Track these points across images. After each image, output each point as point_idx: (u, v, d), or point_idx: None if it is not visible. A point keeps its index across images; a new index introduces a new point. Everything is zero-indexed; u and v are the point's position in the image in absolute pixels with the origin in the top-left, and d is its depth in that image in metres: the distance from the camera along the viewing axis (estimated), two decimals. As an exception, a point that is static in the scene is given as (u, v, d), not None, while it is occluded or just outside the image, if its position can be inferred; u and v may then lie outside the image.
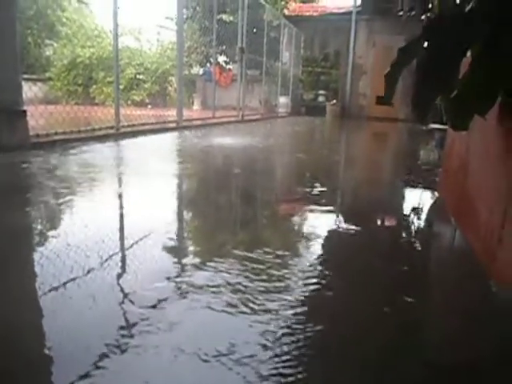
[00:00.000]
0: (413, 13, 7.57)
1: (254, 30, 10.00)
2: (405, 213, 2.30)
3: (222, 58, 12.93)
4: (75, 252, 1.38)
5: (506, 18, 1.05)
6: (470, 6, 0.98)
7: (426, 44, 1.09)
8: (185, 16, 10.96)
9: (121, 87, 7.25)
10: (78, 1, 13.10)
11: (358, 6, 12.60)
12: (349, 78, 13.21)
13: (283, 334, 0.97)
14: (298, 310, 1.10)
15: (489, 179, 1.52)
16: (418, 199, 2.65)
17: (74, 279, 1.19)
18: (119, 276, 1.24)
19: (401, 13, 8.92)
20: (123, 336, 0.93)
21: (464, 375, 0.89)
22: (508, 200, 1.25)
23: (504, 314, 1.14)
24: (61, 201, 2.02)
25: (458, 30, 1.02)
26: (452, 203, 2.09)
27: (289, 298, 1.16)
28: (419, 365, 0.91)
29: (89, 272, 1.24)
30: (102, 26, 12.21)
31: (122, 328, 0.96)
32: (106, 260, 1.33)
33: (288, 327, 1.01)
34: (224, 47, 11.49)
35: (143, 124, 5.62)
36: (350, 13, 12.76)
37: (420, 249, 1.66)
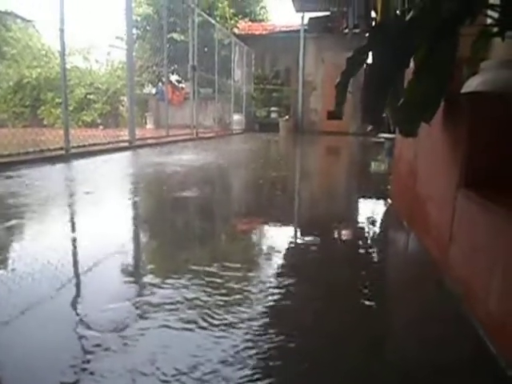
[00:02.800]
0: (357, 30, 7.87)
1: (206, 49, 10.07)
2: (360, 222, 2.34)
3: (174, 77, 12.91)
4: (25, 280, 1.30)
5: (442, 29, 1.10)
6: (409, 16, 1.02)
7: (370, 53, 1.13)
8: (135, 35, 10.91)
9: (70, 108, 7.07)
10: (23, 20, 12.73)
11: (306, 25, 12.97)
12: (300, 95, 13.50)
13: (245, 348, 0.95)
14: (259, 321, 1.08)
15: (436, 181, 1.57)
16: (371, 208, 2.71)
17: (27, 309, 1.12)
18: (74, 301, 1.17)
19: (346, 30, 9.26)
20: (78, 364, 0.87)
21: (426, 373, 0.90)
22: (456, 199, 1.30)
23: (457, 310, 1.17)
24: (6, 225, 1.91)
25: (399, 40, 1.06)
26: (404, 208, 2.15)
27: (249, 310, 1.14)
28: (383, 365, 0.92)
29: (41, 301, 1.16)
30: (49, 46, 11.91)
31: (76, 355, 0.91)
32: (60, 288, 1.25)
33: (249, 340, 0.98)
34: (176, 66, 11.49)
35: (94, 144, 5.47)
36: (298, 31, 13.11)
37: (376, 254, 1.69)
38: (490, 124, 1.22)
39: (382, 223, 2.25)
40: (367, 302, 1.21)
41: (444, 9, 1.00)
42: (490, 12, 1.19)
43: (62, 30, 4.61)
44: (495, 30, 1.22)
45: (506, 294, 0.93)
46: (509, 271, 0.93)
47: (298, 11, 12.20)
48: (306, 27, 12.96)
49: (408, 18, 1.01)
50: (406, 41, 1.05)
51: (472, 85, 1.38)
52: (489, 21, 1.25)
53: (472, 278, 1.15)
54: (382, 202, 2.76)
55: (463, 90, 1.38)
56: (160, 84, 12.49)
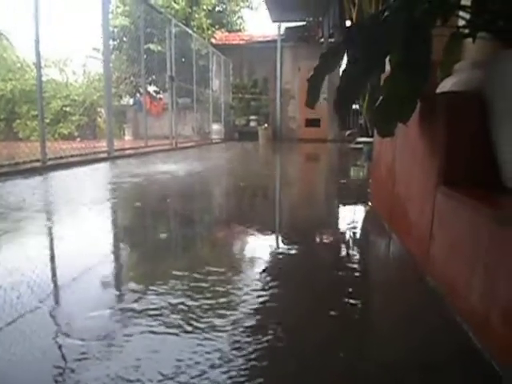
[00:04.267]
0: (333, 39, 8.00)
1: (183, 59, 10.07)
2: (341, 225, 2.36)
3: (152, 88, 12.86)
4: (5, 293, 1.26)
5: (416, 30, 1.13)
6: (383, 17, 1.04)
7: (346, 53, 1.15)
8: (112, 47, 10.84)
9: (47, 120, 6.94)
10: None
11: (282, 35, 13.13)
12: (278, 103, 13.61)
13: (231, 350, 0.94)
14: (245, 323, 1.07)
15: (415, 181, 1.60)
16: (352, 212, 2.74)
17: (9, 323, 1.09)
18: (56, 312, 1.14)
19: (322, 40, 9.40)
20: (62, 374, 0.85)
21: (412, 369, 0.90)
22: (435, 197, 1.32)
23: (441, 308, 1.18)
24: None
25: (374, 39, 1.08)
26: (384, 210, 2.18)
27: (234, 312, 1.13)
28: (369, 363, 0.92)
29: (23, 313, 1.13)
30: (24, 58, 11.72)
31: (60, 365, 0.88)
32: (42, 300, 1.22)
33: (236, 342, 0.98)
34: (153, 76, 11.45)
35: (72, 156, 5.39)
36: (275, 41, 13.25)
37: (358, 256, 1.70)
38: (466, 122, 1.25)
39: (362, 226, 2.27)
40: (352, 302, 1.21)
41: (417, 10, 1.03)
42: (461, 13, 1.22)
43: (37, 42, 4.55)
44: (467, 31, 1.26)
45: (488, 289, 0.95)
46: (489, 266, 0.95)
47: (274, 21, 12.33)
48: (282, 37, 13.12)
49: (382, 18, 1.03)
50: (380, 41, 1.07)
51: (446, 86, 1.42)
52: (461, 22, 1.29)
53: (454, 275, 1.16)
54: (362, 205, 2.78)
55: (438, 91, 1.41)
56: (138, 95, 12.43)
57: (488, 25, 1.18)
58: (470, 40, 1.26)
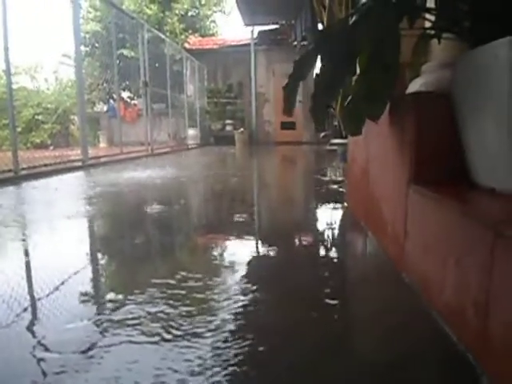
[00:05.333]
0: (305, 42, 8.08)
1: (157, 65, 10.01)
2: (318, 226, 2.38)
3: (126, 94, 12.73)
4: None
5: (384, 32, 1.15)
6: (352, 20, 1.06)
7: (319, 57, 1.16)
8: (84, 53, 10.69)
9: (18, 129, 6.79)
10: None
11: (256, 38, 13.19)
12: (253, 107, 13.66)
13: (212, 356, 0.94)
14: (225, 329, 1.06)
15: (388, 180, 1.63)
16: (329, 212, 2.76)
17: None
18: (33, 325, 1.11)
19: (295, 43, 9.49)
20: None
21: (389, 363, 0.92)
22: (407, 196, 1.35)
23: (417, 303, 1.21)
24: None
25: (344, 41, 1.10)
26: (360, 210, 2.21)
27: (214, 318, 1.13)
28: (347, 358, 0.93)
29: None
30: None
31: (37, 380, 0.86)
32: (18, 314, 1.19)
33: (216, 348, 0.97)
34: (127, 82, 11.34)
35: (45, 165, 5.28)
36: (248, 44, 13.30)
37: (336, 256, 1.72)
38: (434, 122, 1.28)
39: (339, 226, 2.30)
40: (329, 301, 1.22)
41: (383, 12, 1.05)
42: (427, 15, 1.25)
43: (6, 49, 4.45)
44: (433, 32, 1.29)
45: (461, 284, 0.97)
46: (461, 261, 0.97)
47: (247, 25, 12.39)
48: (255, 41, 13.18)
49: (351, 21, 1.05)
50: (350, 43, 1.09)
51: (415, 86, 1.45)
52: (427, 24, 1.32)
53: (428, 271, 1.19)
54: (338, 205, 2.81)
55: (407, 92, 1.44)
56: (112, 101, 12.28)
57: (453, 26, 1.21)
58: (435, 41, 1.29)
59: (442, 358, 0.95)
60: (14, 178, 4.40)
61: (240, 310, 1.18)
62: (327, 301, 1.23)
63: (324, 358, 0.94)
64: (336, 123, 4.90)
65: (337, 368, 0.90)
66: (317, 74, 1.21)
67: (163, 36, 10.13)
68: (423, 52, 1.42)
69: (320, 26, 6.20)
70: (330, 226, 2.27)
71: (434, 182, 1.26)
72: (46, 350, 0.98)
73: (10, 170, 4.47)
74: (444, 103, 1.26)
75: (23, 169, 4.67)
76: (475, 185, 1.20)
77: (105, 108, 13.12)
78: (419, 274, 1.26)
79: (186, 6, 14.99)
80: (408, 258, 1.36)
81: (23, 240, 2.05)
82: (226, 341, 1.00)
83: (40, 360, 0.94)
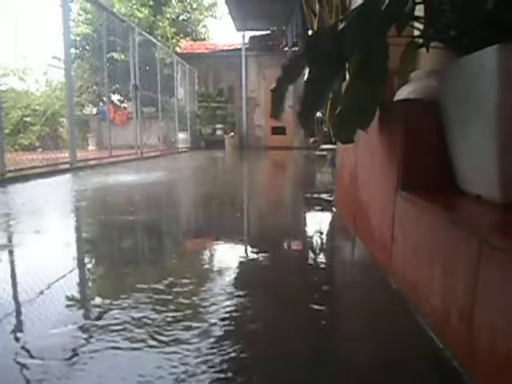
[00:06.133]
0: (296, 48, 8.13)
1: (147, 68, 9.98)
2: (307, 232, 2.38)
3: (115, 97, 12.67)
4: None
5: (373, 39, 1.16)
6: (341, 26, 1.07)
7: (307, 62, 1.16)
8: (73, 55, 10.62)
9: (6, 131, 6.70)
10: None
11: (247, 43, 13.24)
12: (244, 111, 13.69)
13: (197, 363, 0.93)
14: (211, 334, 1.05)
15: (376, 186, 1.63)
16: (318, 218, 2.76)
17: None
18: (15, 330, 1.09)
19: (286, 48, 9.54)
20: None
21: (375, 368, 0.92)
22: (394, 202, 1.36)
23: (403, 309, 1.21)
24: None
25: (333, 47, 1.11)
26: (349, 215, 2.21)
27: (200, 324, 1.11)
28: (333, 365, 0.92)
29: None
30: (-19, 67, 11.31)
31: (11, 385, 0.84)
32: (1, 319, 1.17)
33: (203, 355, 0.96)
34: (117, 85, 11.27)
35: (33, 167, 5.22)
36: (239, 49, 13.35)
37: (324, 261, 1.72)
38: (421, 129, 1.29)
39: (328, 232, 2.30)
40: (316, 307, 1.22)
41: (372, 20, 1.06)
42: (416, 24, 1.27)
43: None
44: (421, 41, 1.30)
45: (447, 290, 0.98)
46: (448, 268, 0.98)
47: (238, 30, 12.45)
48: (247, 46, 13.23)
49: (340, 27, 1.06)
50: (339, 49, 1.10)
51: (403, 93, 1.46)
52: (416, 32, 1.34)
53: (415, 277, 1.19)
54: (327, 211, 2.82)
55: (395, 99, 1.45)
56: (101, 104, 12.20)
57: (440, 34, 1.23)
58: (425, 49, 1.31)
59: (428, 364, 0.95)
60: (0, 180, 4.34)
61: (227, 315, 1.17)
62: (314, 306, 1.23)
63: (309, 365, 0.94)
64: (326, 129, 4.92)
65: (320, 375, 0.90)
66: (306, 79, 1.21)
67: (154, 40, 10.11)
68: (411, 60, 1.44)
69: (310, 33, 6.25)
70: (319, 231, 2.27)
71: (420, 189, 1.27)
72: (29, 355, 0.96)
73: (-5, 173, 4.41)
74: (432, 111, 1.27)
75: (10, 171, 4.61)
76: (462, 192, 1.21)
77: (94, 111, 13.03)
78: (406, 279, 1.26)
79: (177, 10, 15.01)
80: (395, 263, 1.36)
81: (7, 243, 2.02)
82: (211, 347, 0.99)
83: (23, 366, 0.92)
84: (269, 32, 12.68)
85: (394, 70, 1.44)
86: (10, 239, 2.10)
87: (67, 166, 5.88)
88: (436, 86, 1.29)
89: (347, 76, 1.34)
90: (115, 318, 1.15)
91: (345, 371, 0.92)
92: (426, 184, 1.29)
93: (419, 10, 1.26)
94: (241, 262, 1.71)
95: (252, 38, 13.22)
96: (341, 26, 1.05)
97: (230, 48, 13.80)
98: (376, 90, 1.16)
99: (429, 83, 1.38)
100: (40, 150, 10.42)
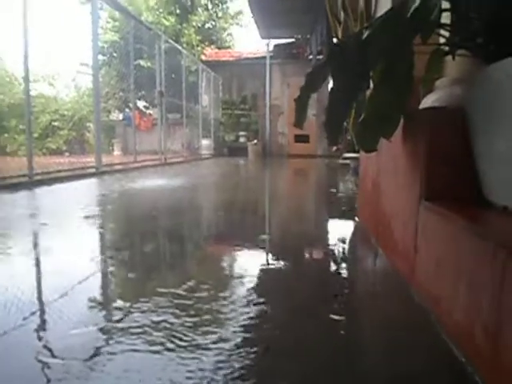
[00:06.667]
0: (321, 56, 8.11)
1: (173, 75, 10.13)
2: (329, 241, 2.36)
3: (141, 103, 12.89)
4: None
5: (398, 47, 1.15)
6: (366, 34, 1.06)
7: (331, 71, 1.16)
8: (101, 62, 10.87)
9: (35, 135, 6.90)
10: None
11: (271, 51, 13.30)
12: (267, 119, 13.71)
13: (214, 369, 0.93)
14: (230, 341, 1.05)
15: (399, 195, 1.61)
16: (340, 227, 2.74)
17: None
18: (39, 330, 1.12)
19: (310, 56, 9.54)
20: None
21: (392, 381, 0.90)
22: (418, 212, 1.33)
23: (426, 323, 1.18)
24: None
25: (357, 56, 1.10)
26: (371, 225, 2.18)
27: (218, 330, 1.11)
28: (352, 377, 0.91)
29: (5, 332, 1.09)
30: (13, 73, 11.69)
31: None
32: (26, 317, 1.19)
33: (219, 361, 0.96)
34: (143, 92, 11.49)
35: (59, 171, 5.36)
36: (264, 57, 13.41)
37: (345, 272, 1.69)
38: (446, 138, 1.27)
39: (350, 241, 2.27)
40: (337, 317, 1.21)
41: (397, 28, 1.05)
42: (442, 31, 1.25)
43: (25, 57, 4.55)
44: (447, 49, 1.28)
45: (471, 303, 0.95)
46: (472, 281, 0.95)
47: (263, 38, 12.49)
48: (271, 54, 13.28)
49: (365, 35, 1.05)
50: (363, 58, 1.09)
51: (428, 102, 1.44)
52: (441, 40, 1.32)
53: (438, 290, 1.17)
54: (350, 220, 2.79)
55: (420, 107, 1.43)
56: (127, 110, 12.43)
57: (467, 42, 1.21)
58: (450, 57, 1.29)
59: (449, 379, 0.92)
60: (28, 182, 4.46)
61: (246, 322, 1.17)
62: (333, 316, 1.21)
63: (327, 375, 0.92)
64: (349, 137, 4.89)
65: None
66: (331, 88, 1.21)
67: (180, 47, 10.26)
68: (436, 68, 1.41)
69: (335, 41, 6.23)
70: (341, 241, 2.25)
71: (445, 199, 1.24)
72: (51, 355, 0.98)
73: (24, 175, 4.53)
74: (457, 119, 1.24)
75: (37, 174, 4.73)
76: (487, 202, 1.18)
77: (120, 116, 13.29)
78: (429, 292, 1.23)
79: (203, 18, 15.20)
80: (418, 275, 1.33)
81: (34, 244, 2.07)
82: (230, 354, 0.99)
83: (44, 365, 0.93)
84: (293, 40, 12.70)
85: (419, 78, 1.42)
86: (36, 240, 2.15)
87: (93, 170, 6.00)
88: (462, 94, 1.26)
89: (371, 84, 1.33)
90: (135, 321, 1.16)
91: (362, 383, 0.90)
92: (451, 194, 1.26)
93: (445, 18, 1.24)
94: (261, 270, 1.71)
95: (276, 46, 13.27)
96: (365, 33, 1.05)
97: (255, 56, 13.89)
98: (400, 99, 1.15)
99: (454, 91, 1.36)
100: (67, 154, 10.69)
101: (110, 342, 1.04)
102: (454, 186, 1.28)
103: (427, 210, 1.27)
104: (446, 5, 1.20)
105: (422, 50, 1.26)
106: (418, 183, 1.34)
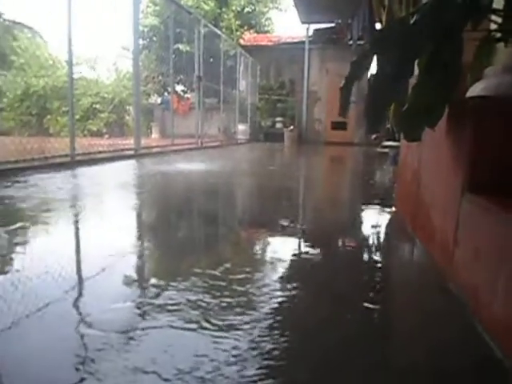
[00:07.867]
0: (362, 42, 7.91)
1: (211, 60, 10.16)
2: (365, 229, 2.34)
3: (179, 87, 13.03)
4: (32, 285, 1.30)
5: (447, 33, 1.11)
6: (413, 20, 1.03)
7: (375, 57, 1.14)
8: (141, 46, 11.03)
9: (77, 117, 7.12)
10: (30, 30, 12.89)
11: (310, 36, 13.07)
12: (304, 105, 13.56)
13: (248, 348, 0.95)
14: (262, 323, 1.07)
15: (440, 186, 1.57)
16: (376, 216, 2.70)
17: (31, 313, 1.12)
18: (79, 302, 1.18)
19: (351, 42, 9.32)
20: (81, 362, 0.87)
21: (432, 378, 0.89)
22: (460, 204, 1.30)
23: (462, 316, 1.16)
24: (11, 228, 1.92)
25: (402, 43, 1.07)
26: (408, 215, 2.15)
27: (252, 312, 1.13)
28: (388, 371, 0.91)
29: (48, 304, 1.16)
30: (57, 56, 12.05)
31: (80, 354, 0.91)
32: (67, 291, 1.25)
33: (252, 341, 0.98)
34: (181, 76, 11.59)
35: (100, 152, 5.51)
36: (303, 42, 13.21)
37: (381, 261, 1.68)
38: (494, 128, 1.22)
39: (386, 231, 2.24)
40: (371, 307, 1.20)
41: (447, 13, 1.01)
42: (493, 17, 1.20)
43: (69, 40, 4.67)
44: (499, 35, 1.23)
45: (511, 298, 0.93)
46: (513, 274, 0.93)
47: (303, 23, 12.30)
48: (310, 38, 13.06)
49: (412, 22, 1.02)
50: (409, 44, 1.06)
51: (475, 90, 1.39)
52: (493, 26, 1.26)
53: (477, 284, 1.14)
54: (386, 209, 2.75)
55: (467, 95, 1.38)
56: (166, 94, 12.60)
57: (521, 29, 1.15)
58: (501, 44, 1.23)
59: (486, 374, 0.91)
60: (70, 162, 4.62)
61: (277, 305, 1.18)
62: (367, 305, 1.21)
63: (357, 368, 0.93)
64: (388, 125, 4.78)
65: (373, 379, 0.89)
66: (372, 75, 1.18)
67: (219, 32, 10.26)
68: (487, 55, 1.36)
69: (378, 26, 6.06)
70: (377, 229, 2.22)
71: (489, 191, 1.20)
72: (90, 327, 1.03)
73: (66, 155, 4.69)
74: (505, 109, 1.20)
75: (78, 154, 4.89)
76: (535, 197, 1.13)
77: (159, 100, 13.48)
78: (467, 285, 1.21)
79: (242, 3, 15.10)
80: (456, 267, 1.30)
81: (76, 221, 2.16)
82: (262, 335, 1.01)
83: (83, 336, 0.98)
84: (333, 25, 12.43)
85: (467, 65, 1.37)
86: (76, 218, 2.24)
87: (132, 152, 6.14)
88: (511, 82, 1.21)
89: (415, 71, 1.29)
90: (171, 299, 1.19)
91: (395, 377, 0.90)
92: (495, 186, 1.22)
93: (497, 3, 1.19)
94: (296, 255, 1.71)
95: (316, 31, 13.02)
96: (412, 19, 1.02)
97: (293, 41, 13.69)
98: (447, 87, 1.11)
99: (504, 80, 1.30)
100: (107, 136, 10.97)
101: (147, 317, 1.08)
102: (498, 178, 1.23)
103: (470, 202, 1.23)
104: (499, -12, 1.15)
105: (470, 36, 1.21)
106: (461, 175, 1.30)
